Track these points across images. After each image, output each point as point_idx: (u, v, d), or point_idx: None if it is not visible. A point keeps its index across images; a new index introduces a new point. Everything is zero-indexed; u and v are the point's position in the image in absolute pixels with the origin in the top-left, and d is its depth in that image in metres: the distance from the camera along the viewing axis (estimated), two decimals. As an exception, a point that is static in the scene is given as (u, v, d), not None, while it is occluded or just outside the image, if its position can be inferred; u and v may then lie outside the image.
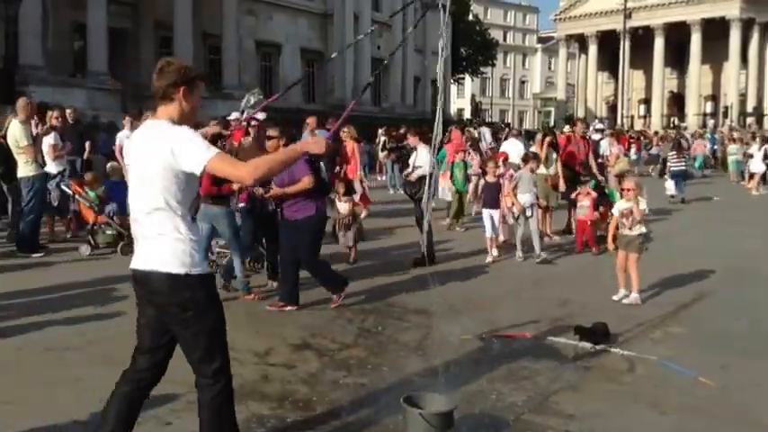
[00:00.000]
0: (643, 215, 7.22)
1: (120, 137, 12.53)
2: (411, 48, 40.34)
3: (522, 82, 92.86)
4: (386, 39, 38.14)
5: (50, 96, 19.46)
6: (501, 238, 9.87)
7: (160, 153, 3.03)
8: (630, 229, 7.18)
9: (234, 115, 12.92)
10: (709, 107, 63.74)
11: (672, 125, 46.82)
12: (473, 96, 72.36)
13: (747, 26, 60.36)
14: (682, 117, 61.53)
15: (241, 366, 4.95)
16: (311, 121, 12.16)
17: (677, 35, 61.31)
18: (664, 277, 8.00)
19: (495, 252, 9.38)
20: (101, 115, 21.52)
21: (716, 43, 60.38)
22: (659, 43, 63.02)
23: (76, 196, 9.76)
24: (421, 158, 9.20)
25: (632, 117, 62.92)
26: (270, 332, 5.85)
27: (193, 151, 3.00)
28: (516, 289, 7.67)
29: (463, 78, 56.10)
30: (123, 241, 9.03)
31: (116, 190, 9.66)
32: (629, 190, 7.29)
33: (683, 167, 17.59)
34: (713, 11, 58.68)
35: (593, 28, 67.84)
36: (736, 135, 29.11)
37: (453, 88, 51.94)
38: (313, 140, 3.47)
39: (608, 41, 63.76)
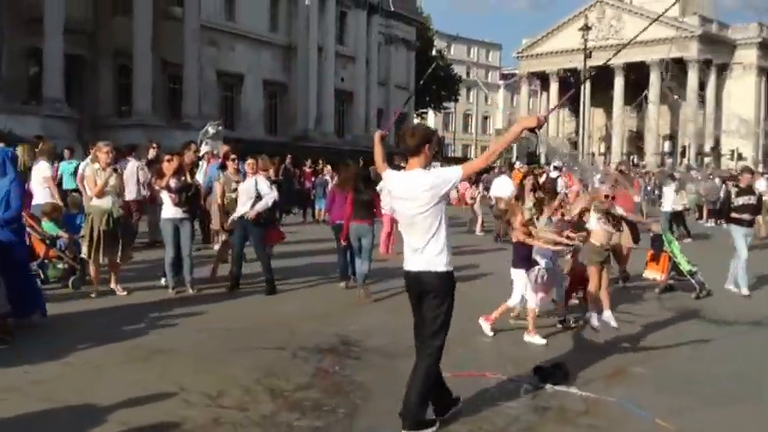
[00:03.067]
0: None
1: (82, 166, 12.25)
2: (374, 80, 40.61)
3: (485, 117, 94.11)
4: (349, 71, 38.36)
5: (3, 123, 19.03)
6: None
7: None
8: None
9: (204, 149, 12.79)
10: (667, 146, 65.19)
11: (632, 163, 47.63)
12: (436, 131, 73.00)
13: (705, 67, 62.18)
14: (641, 155, 62.78)
15: (191, 409, 4.78)
16: (225, 149, 11.76)
17: (637, 75, 62.82)
18: (629, 314, 8.01)
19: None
20: (56, 144, 21.07)
21: (674, 84, 62.01)
22: (619, 82, 64.50)
23: (28, 229, 9.44)
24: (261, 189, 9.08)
25: (593, 154, 64.02)
26: (222, 372, 5.66)
27: None
28: (479, 328, 7.59)
29: (426, 113, 56.62)
30: (75, 275, 8.76)
31: (71, 222, 9.40)
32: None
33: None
34: (673, 51, 60.46)
35: (554, 66, 69.22)
36: (692, 174, 29.70)
37: (416, 122, 52.32)
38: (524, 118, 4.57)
39: (569, 79, 65.08)
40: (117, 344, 6.30)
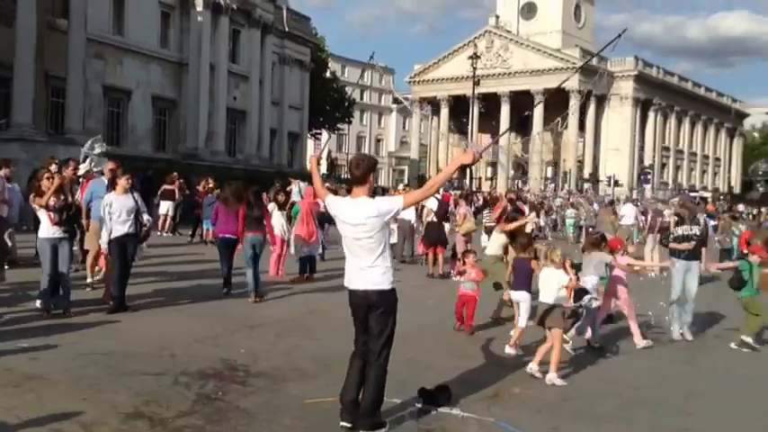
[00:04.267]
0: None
1: None
2: (268, 100, 40.32)
3: (378, 140, 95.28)
4: (242, 90, 37.93)
5: None
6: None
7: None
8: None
9: (82, 168, 12.23)
10: (550, 172, 68.13)
11: (516, 188, 49.49)
12: (330, 152, 73.22)
13: (585, 97, 65.52)
14: (525, 180, 65.28)
15: (62, 440, 4.54)
16: (112, 165, 11.34)
17: (522, 103, 65.43)
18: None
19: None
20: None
21: (557, 112, 65.01)
22: (505, 110, 66.96)
23: None
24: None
25: (480, 179, 66.06)
26: (99, 399, 5.42)
27: None
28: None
29: (320, 133, 56.72)
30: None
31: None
32: (553, 261, 7.09)
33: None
34: (555, 81, 63.40)
35: (444, 92, 71.10)
36: (572, 200, 31.23)
37: (310, 143, 52.23)
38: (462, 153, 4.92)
39: (459, 105, 66.93)
40: (-16, 371, 5.92)
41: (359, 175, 4.89)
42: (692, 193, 63.50)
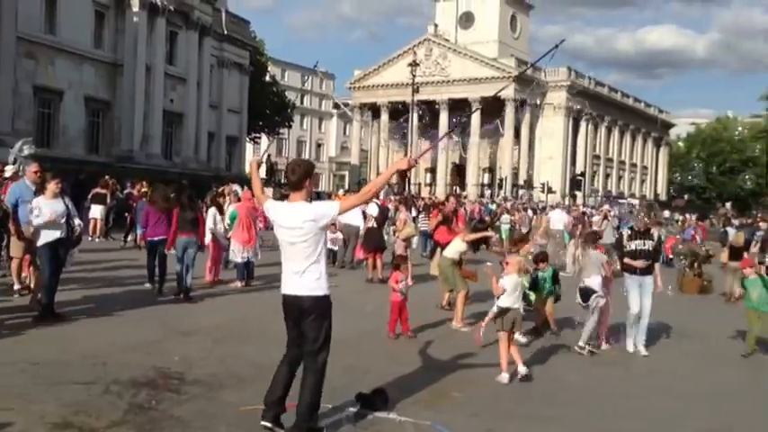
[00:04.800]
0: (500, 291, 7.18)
1: None
2: (206, 103, 39.77)
3: (319, 145, 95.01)
4: (179, 93, 37.30)
5: None
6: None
7: None
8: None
9: (9, 170, 11.84)
10: (486, 178, 69.16)
11: (454, 193, 50.13)
12: (269, 156, 72.63)
13: (520, 106, 66.80)
14: (463, 186, 66.11)
15: (-14, 452, 4.39)
16: (35, 168, 10.99)
17: (461, 110, 66.28)
18: (446, 340, 8.36)
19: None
20: None
21: (493, 120, 66.35)
22: (444, 117, 67.68)
23: None
24: None
25: (419, 184, 66.58)
26: (28, 409, 5.25)
27: None
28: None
29: (259, 138, 56.19)
30: None
31: None
32: (508, 263, 7.34)
33: None
34: (491, 90, 64.47)
35: (385, 98, 71.38)
36: (508, 205, 31.80)
37: (249, 147, 51.71)
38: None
39: (399, 112, 67.32)
40: None
41: (295, 180, 4.93)
42: (620, 200, 65.54)
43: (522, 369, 7.03)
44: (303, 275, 4.85)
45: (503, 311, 7.15)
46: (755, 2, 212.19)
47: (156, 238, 11.09)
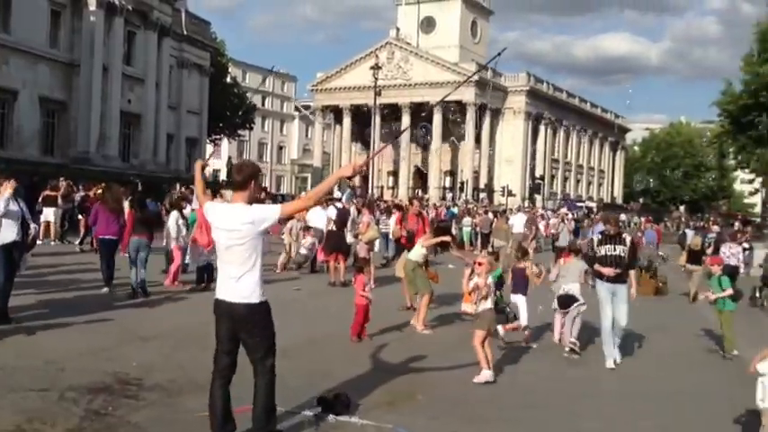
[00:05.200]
0: (488, 290, 7.26)
1: None
2: (164, 104, 39.26)
3: (281, 147, 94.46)
4: (137, 94, 36.78)
5: None
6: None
7: None
8: (476, 304, 7.26)
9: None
10: (448, 182, 69.58)
11: (416, 196, 50.35)
12: (230, 158, 72.00)
13: (481, 110, 67.36)
14: (425, 189, 66.42)
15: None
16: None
17: (422, 114, 66.57)
18: (407, 343, 8.38)
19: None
20: None
21: (455, 124, 66.76)
22: (406, 120, 67.88)
23: None
24: None
25: (382, 187, 66.69)
26: (-22, 418, 5.12)
27: None
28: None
29: (220, 139, 55.62)
30: None
31: None
32: (480, 264, 7.35)
33: None
34: (452, 94, 64.94)
35: (347, 101, 71.30)
36: (470, 207, 32.05)
37: (209, 148, 51.16)
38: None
39: (361, 115, 67.34)
40: None
41: (240, 180, 4.73)
42: (578, 203, 66.57)
43: (487, 373, 7.10)
44: (239, 281, 4.64)
45: (487, 312, 7.32)
46: (707, 11, 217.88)
47: (107, 237, 11.20)
